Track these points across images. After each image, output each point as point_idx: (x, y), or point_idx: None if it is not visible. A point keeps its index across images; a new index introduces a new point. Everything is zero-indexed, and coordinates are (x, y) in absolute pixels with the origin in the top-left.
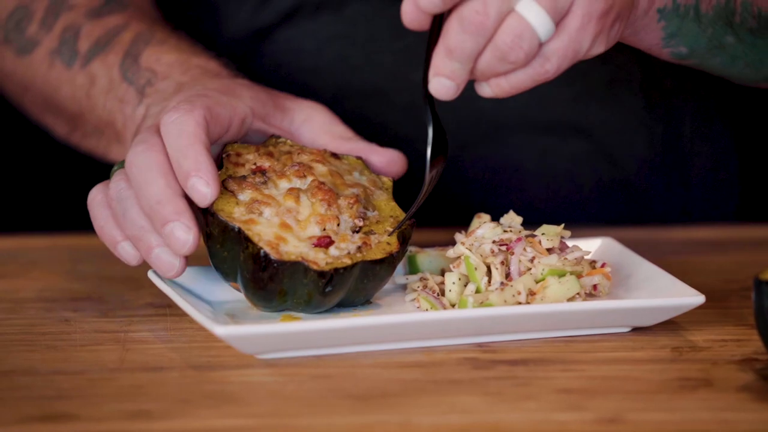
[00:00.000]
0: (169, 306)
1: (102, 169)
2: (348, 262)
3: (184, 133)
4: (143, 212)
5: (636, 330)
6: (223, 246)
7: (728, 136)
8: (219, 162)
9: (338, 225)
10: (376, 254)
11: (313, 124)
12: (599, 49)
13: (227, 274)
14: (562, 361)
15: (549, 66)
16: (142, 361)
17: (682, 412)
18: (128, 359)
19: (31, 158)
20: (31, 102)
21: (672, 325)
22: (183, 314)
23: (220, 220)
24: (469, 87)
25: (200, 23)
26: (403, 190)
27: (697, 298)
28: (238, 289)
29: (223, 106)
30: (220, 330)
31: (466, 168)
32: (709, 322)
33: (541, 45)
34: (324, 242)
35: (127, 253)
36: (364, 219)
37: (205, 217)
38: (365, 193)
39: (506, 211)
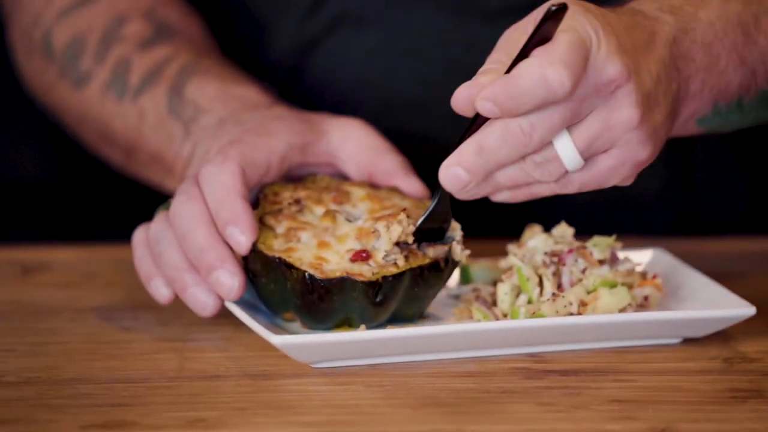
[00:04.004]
0: (226, 315)
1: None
2: (394, 270)
3: (219, 185)
4: (188, 260)
5: (686, 341)
6: (268, 278)
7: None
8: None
9: (379, 239)
10: (423, 260)
11: (350, 142)
12: (623, 183)
13: (277, 306)
14: (614, 372)
15: (570, 188)
16: (199, 369)
17: (732, 423)
18: (186, 368)
19: (94, 172)
20: (87, 134)
21: (722, 336)
22: (240, 323)
23: (261, 253)
24: None
25: (247, 40)
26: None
27: (747, 310)
28: (293, 319)
29: (259, 149)
30: (277, 339)
31: None
32: (759, 333)
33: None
34: (360, 256)
35: (158, 290)
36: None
37: (246, 257)
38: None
39: (552, 221)
